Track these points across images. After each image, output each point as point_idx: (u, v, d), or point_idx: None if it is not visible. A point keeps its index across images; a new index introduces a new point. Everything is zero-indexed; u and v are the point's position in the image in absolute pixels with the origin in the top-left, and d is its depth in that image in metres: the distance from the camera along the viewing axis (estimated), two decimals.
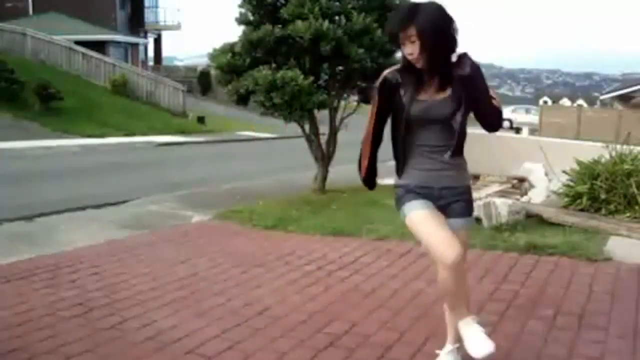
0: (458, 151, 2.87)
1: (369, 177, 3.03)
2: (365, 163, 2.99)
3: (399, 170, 2.90)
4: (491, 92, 2.82)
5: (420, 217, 2.78)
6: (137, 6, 36.47)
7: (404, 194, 2.86)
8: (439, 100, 2.73)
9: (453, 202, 2.85)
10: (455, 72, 2.67)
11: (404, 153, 2.86)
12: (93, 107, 21.69)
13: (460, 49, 2.68)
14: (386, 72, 2.82)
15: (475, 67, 2.68)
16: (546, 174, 8.56)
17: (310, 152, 8.76)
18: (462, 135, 2.86)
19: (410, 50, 2.64)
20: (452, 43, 2.66)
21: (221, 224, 6.66)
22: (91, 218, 7.18)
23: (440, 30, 2.61)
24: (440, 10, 2.66)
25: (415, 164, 2.85)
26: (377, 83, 2.82)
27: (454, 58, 2.66)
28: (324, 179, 8.67)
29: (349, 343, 3.43)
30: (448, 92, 2.72)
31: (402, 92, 2.76)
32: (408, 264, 5.05)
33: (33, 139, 16.62)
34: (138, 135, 19.75)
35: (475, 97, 2.74)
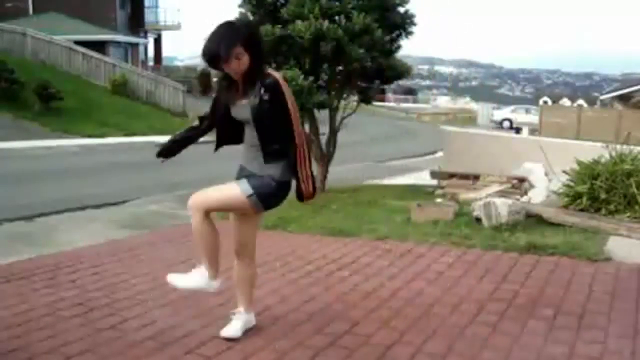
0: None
1: (170, 148, 3.73)
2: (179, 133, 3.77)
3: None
4: None
5: None
6: (137, 6, 36.45)
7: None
8: (241, 105, 3.25)
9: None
10: (259, 88, 3.18)
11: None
12: (93, 107, 21.70)
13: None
14: (218, 79, 3.47)
15: (275, 97, 3.21)
16: (546, 174, 8.57)
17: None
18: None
19: (236, 66, 3.14)
20: (261, 56, 3.24)
21: (221, 224, 6.64)
22: (91, 218, 7.19)
23: (259, 46, 3.22)
24: (257, 27, 3.64)
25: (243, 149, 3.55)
26: (216, 83, 3.51)
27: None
28: (324, 179, 8.67)
29: (349, 343, 3.43)
30: (248, 100, 3.21)
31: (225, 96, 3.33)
32: (408, 264, 5.05)
33: (33, 139, 16.63)
34: (138, 135, 19.75)
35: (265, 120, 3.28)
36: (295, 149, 3.25)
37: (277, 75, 3.27)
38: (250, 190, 3.27)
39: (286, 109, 3.17)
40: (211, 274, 3.45)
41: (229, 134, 3.42)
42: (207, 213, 3.36)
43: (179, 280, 3.50)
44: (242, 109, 3.24)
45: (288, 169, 3.31)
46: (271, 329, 3.65)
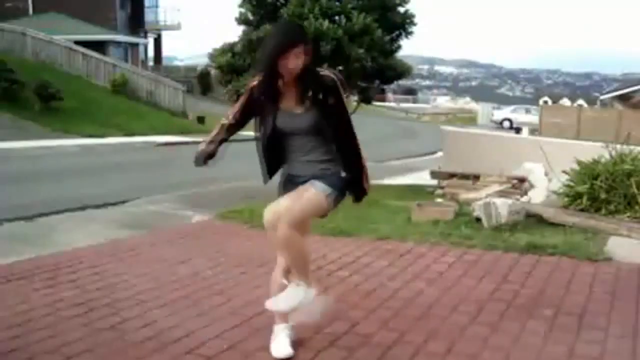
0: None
1: (203, 157, 3.24)
2: (211, 138, 3.26)
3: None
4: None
5: None
6: (137, 6, 36.46)
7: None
8: (297, 114, 3.01)
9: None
10: (317, 91, 2.99)
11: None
12: (93, 107, 21.69)
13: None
14: (255, 82, 3.11)
15: (339, 99, 3.04)
16: (546, 174, 8.57)
17: None
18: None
19: (294, 64, 2.89)
20: (315, 56, 3.14)
21: (221, 224, 6.66)
22: (91, 218, 7.18)
23: (313, 45, 3.07)
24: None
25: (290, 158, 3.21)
26: (247, 87, 3.16)
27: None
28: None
29: (349, 343, 3.43)
30: (306, 106, 3.00)
31: (265, 103, 3.05)
32: (408, 264, 5.05)
33: (33, 139, 16.62)
34: (138, 135, 19.75)
35: (330, 126, 3.06)
36: (357, 147, 3.13)
37: (332, 72, 3.07)
38: (328, 189, 3.07)
39: (346, 109, 3.06)
40: (308, 283, 3.20)
41: (278, 150, 3.15)
42: (296, 226, 3.07)
43: (281, 303, 3.20)
44: (297, 118, 3.00)
45: (346, 168, 3.15)
46: (271, 329, 3.64)
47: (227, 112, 3.27)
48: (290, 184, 3.19)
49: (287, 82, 2.97)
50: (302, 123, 3.01)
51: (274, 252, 3.34)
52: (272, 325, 3.39)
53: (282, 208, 3.09)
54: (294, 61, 2.88)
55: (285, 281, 3.24)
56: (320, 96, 2.96)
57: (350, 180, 3.16)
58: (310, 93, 2.97)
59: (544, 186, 7.96)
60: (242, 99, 3.17)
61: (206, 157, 3.22)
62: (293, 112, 3.00)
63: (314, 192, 3.05)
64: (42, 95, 20.04)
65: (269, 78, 2.97)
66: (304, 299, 3.14)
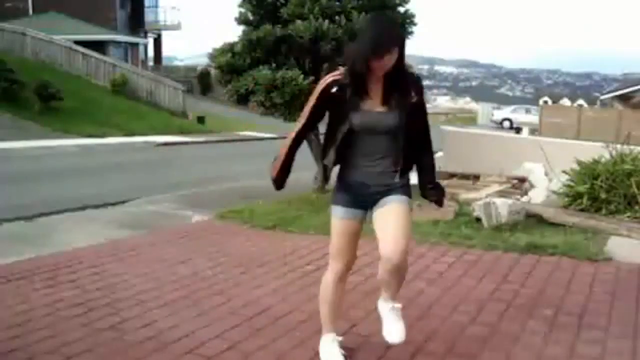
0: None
1: (282, 177, 3.05)
2: (280, 159, 3.02)
3: (341, 168, 3.02)
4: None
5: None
6: (137, 6, 36.46)
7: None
8: (380, 112, 2.85)
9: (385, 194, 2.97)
10: (402, 90, 2.85)
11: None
12: (93, 107, 21.69)
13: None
14: (329, 79, 2.89)
15: (421, 97, 2.92)
16: (546, 174, 8.56)
17: (310, 152, 8.76)
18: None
19: (389, 62, 2.73)
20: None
21: (221, 224, 6.66)
22: (91, 218, 7.18)
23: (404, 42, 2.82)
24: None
25: (358, 163, 2.96)
26: (318, 88, 2.92)
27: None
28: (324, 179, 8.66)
29: (349, 343, 3.43)
30: (391, 105, 2.84)
31: (346, 100, 2.84)
32: (408, 264, 5.04)
33: (33, 139, 16.62)
34: (138, 135, 19.75)
35: (411, 126, 2.90)
36: (431, 150, 3.05)
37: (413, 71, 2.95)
38: (410, 202, 2.99)
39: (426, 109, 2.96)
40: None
41: (345, 147, 2.93)
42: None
43: (400, 329, 3.12)
44: (381, 116, 2.84)
45: (423, 170, 3.08)
46: (271, 329, 3.65)
47: (296, 124, 3.03)
48: (358, 193, 2.97)
49: (374, 80, 2.81)
50: (386, 121, 2.84)
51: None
52: (270, 325, 3.37)
53: (391, 239, 2.91)
54: (389, 61, 2.73)
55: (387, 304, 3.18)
56: (407, 95, 2.84)
57: (430, 184, 3.07)
58: (397, 92, 2.83)
59: (544, 186, 7.95)
60: (312, 102, 2.93)
61: (283, 183, 3.07)
62: (376, 111, 2.84)
63: (406, 212, 2.96)
64: (42, 95, 20.04)
65: (360, 76, 2.79)
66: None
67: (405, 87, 2.85)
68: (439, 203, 3.15)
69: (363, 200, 2.99)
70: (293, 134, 3.00)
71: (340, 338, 3.25)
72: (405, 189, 2.98)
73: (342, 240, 3.06)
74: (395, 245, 2.89)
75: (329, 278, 3.15)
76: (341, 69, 2.88)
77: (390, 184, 2.94)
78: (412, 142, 2.92)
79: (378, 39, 2.70)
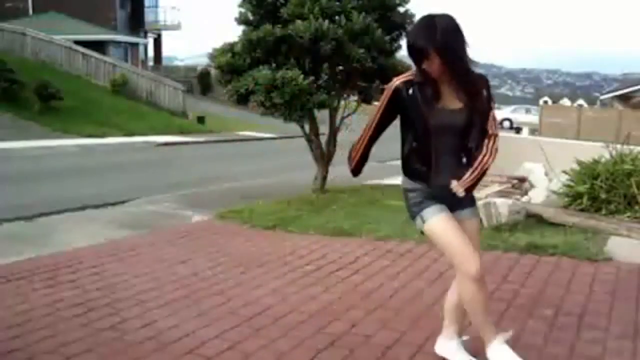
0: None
1: (359, 167, 3.15)
2: (357, 156, 3.10)
3: (415, 174, 2.96)
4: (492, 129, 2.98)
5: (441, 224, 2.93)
6: (137, 6, 36.47)
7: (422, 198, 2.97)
8: (455, 110, 2.85)
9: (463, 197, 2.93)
10: (471, 88, 2.83)
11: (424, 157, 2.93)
12: (93, 107, 21.69)
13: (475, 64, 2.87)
14: (398, 81, 2.90)
15: (490, 99, 2.93)
16: (546, 174, 8.55)
17: (310, 152, 8.76)
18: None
19: (437, 67, 2.74)
20: (466, 53, 2.80)
21: (221, 224, 6.65)
22: (91, 218, 7.19)
23: (461, 46, 2.78)
24: (455, 24, 2.80)
25: (436, 166, 2.91)
26: (389, 89, 2.92)
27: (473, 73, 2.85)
28: (324, 179, 8.67)
29: (349, 343, 3.43)
30: (463, 103, 2.85)
31: (418, 102, 2.83)
32: (408, 264, 5.05)
33: (33, 139, 16.62)
34: (138, 135, 19.75)
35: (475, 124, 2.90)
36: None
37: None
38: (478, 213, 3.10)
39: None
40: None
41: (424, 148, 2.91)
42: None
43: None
44: (455, 114, 2.84)
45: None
46: (271, 329, 3.65)
47: (368, 125, 3.03)
48: (440, 195, 2.93)
49: (443, 80, 2.81)
50: (459, 119, 2.85)
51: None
52: (271, 325, 3.36)
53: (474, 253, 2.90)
54: (427, 64, 2.74)
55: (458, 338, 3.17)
56: (478, 92, 2.86)
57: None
58: (467, 89, 2.83)
59: (544, 186, 7.94)
60: (383, 104, 2.94)
61: (361, 169, 3.13)
62: (450, 108, 2.84)
63: (478, 225, 3.10)
64: (42, 95, 20.03)
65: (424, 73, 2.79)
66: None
67: (473, 84, 2.85)
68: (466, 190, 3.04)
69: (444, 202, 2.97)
70: (365, 139, 3.02)
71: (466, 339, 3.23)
72: (471, 199, 3.06)
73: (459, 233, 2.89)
74: (477, 258, 2.88)
75: (469, 285, 2.89)
76: (412, 70, 2.90)
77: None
78: (480, 137, 2.92)
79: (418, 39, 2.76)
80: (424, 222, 2.98)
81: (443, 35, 2.70)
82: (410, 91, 2.84)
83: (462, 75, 2.80)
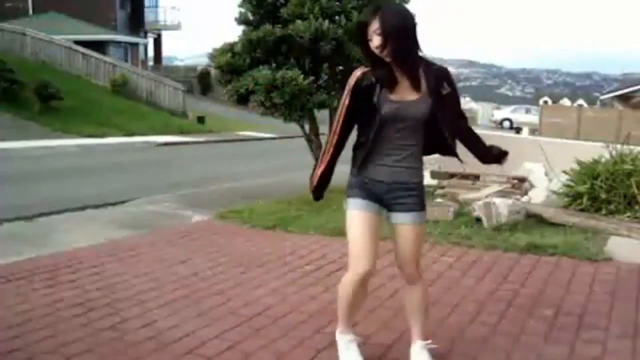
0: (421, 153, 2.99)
1: (320, 186, 3.04)
2: (321, 169, 2.98)
3: (357, 164, 2.95)
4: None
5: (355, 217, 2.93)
6: (137, 6, 36.47)
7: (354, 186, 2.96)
8: (411, 101, 2.81)
9: (401, 197, 2.92)
10: (430, 79, 2.82)
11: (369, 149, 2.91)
12: (93, 107, 21.69)
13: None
14: (358, 72, 2.89)
15: (454, 88, 2.89)
16: (546, 174, 8.56)
17: (310, 152, 8.76)
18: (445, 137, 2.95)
19: (377, 42, 2.74)
20: (415, 39, 2.80)
21: (221, 224, 6.65)
22: (91, 218, 7.18)
23: (402, 25, 2.76)
24: (403, 7, 2.93)
25: (376, 160, 2.90)
26: (349, 84, 2.90)
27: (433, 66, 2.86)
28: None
29: None
30: (421, 94, 2.82)
31: (375, 92, 2.82)
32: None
33: (33, 139, 16.62)
34: (138, 135, 19.75)
35: (444, 115, 2.88)
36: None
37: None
38: (424, 216, 3.00)
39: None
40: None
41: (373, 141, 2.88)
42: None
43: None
44: (410, 105, 2.81)
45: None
46: (271, 329, 3.65)
47: (332, 129, 2.99)
48: (374, 190, 2.91)
49: (397, 71, 2.79)
50: (415, 111, 2.81)
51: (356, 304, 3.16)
52: (271, 325, 3.38)
53: (403, 259, 3.00)
54: (377, 41, 2.73)
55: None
56: (434, 84, 2.81)
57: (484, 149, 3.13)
58: (423, 80, 2.80)
59: (544, 186, 7.95)
60: (345, 101, 2.90)
61: (322, 190, 3.06)
62: (406, 100, 2.81)
63: (422, 230, 3.01)
64: (42, 95, 20.04)
65: (378, 61, 2.79)
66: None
67: (429, 77, 2.82)
68: (498, 160, 3.22)
69: (378, 199, 2.93)
70: (331, 148, 2.94)
71: (358, 340, 3.21)
72: (414, 198, 2.93)
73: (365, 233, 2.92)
74: (410, 264, 3.02)
75: (350, 284, 2.99)
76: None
77: (399, 181, 2.89)
78: (443, 131, 2.89)
79: (362, 17, 2.84)
80: (347, 208, 2.98)
81: (391, 20, 2.72)
82: (367, 82, 2.83)
83: (409, 63, 2.79)
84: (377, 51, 2.75)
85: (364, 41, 2.81)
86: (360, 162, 2.90)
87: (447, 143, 2.95)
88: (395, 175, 2.88)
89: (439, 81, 2.84)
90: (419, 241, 3.02)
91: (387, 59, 2.76)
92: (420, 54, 2.83)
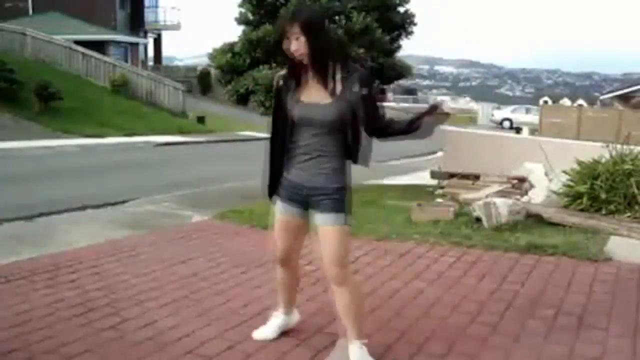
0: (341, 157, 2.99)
1: (270, 185, 3.17)
2: (267, 170, 3.13)
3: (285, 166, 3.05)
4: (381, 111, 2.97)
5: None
6: (137, 6, 36.45)
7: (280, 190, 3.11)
8: (322, 105, 2.86)
9: (321, 200, 2.98)
10: (347, 81, 2.84)
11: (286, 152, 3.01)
12: (93, 107, 21.68)
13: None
14: (280, 74, 3.01)
15: (370, 88, 2.88)
16: (546, 174, 8.56)
17: None
18: (354, 141, 2.96)
19: (295, 46, 2.80)
20: (329, 44, 2.88)
21: (221, 224, 6.65)
22: (91, 218, 7.18)
23: (317, 29, 2.82)
24: (319, 12, 3.07)
25: (297, 162, 2.99)
26: (273, 86, 3.04)
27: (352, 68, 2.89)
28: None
29: None
30: (334, 98, 2.85)
31: (290, 94, 2.93)
32: (408, 264, 5.05)
33: (33, 139, 16.62)
34: (138, 135, 19.74)
35: (364, 115, 2.90)
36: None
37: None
38: (345, 219, 2.99)
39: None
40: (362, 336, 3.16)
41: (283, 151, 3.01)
42: (348, 271, 3.17)
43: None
44: (320, 109, 2.87)
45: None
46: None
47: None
48: (292, 193, 3.04)
49: (305, 70, 2.87)
50: (325, 114, 2.85)
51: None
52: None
53: (326, 260, 3.09)
54: (296, 45, 2.79)
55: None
56: (348, 86, 2.83)
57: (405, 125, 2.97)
58: (339, 84, 2.84)
59: (544, 186, 7.95)
60: (274, 103, 3.01)
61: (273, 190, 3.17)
62: (317, 103, 2.86)
63: (342, 232, 3.00)
64: (42, 95, 20.02)
65: (290, 65, 2.88)
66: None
67: (343, 79, 2.84)
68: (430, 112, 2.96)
69: (302, 199, 3.04)
70: (270, 151, 3.08)
71: (284, 318, 3.49)
72: (334, 201, 2.96)
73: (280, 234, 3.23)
74: (330, 268, 3.10)
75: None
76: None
77: (315, 186, 2.96)
78: (359, 132, 2.92)
79: (281, 20, 2.94)
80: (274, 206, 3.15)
81: (306, 24, 2.78)
82: (282, 84, 2.94)
83: (321, 67, 2.83)
84: (295, 54, 2.82)
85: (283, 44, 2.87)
86: (286, 164, 3.03)
87: (357, 149, 2.96)
88: (313, 179, 2.96)
89: (354, 84, 2.85)
90: (340, 243, 3.02)
91: (305, 62, 2.84)
92: (342, 57, 2.92)
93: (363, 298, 3.30)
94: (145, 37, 37.71)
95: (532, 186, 8.30)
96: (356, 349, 3.11)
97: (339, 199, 2.97)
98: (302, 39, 2.77)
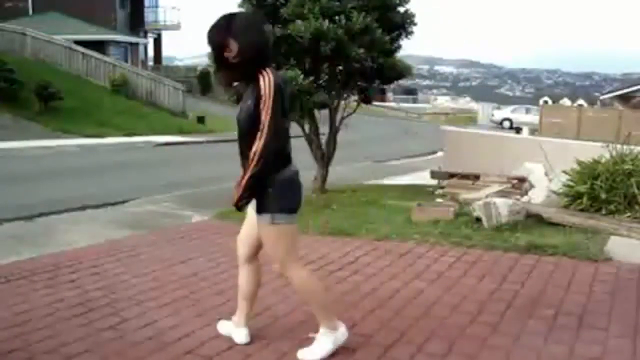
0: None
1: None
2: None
3: None
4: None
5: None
6: (137, 6, 36.45)
7: None
8: (240, 108, 3.07)
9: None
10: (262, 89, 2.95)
11: None
12: (93, 107, 21.68)
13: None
14: (278, 74, 3.15)
15: (259, 98, 2.94)
16: (546, 174, 8.56)
17: (310, 152, 8.76)
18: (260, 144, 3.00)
19: (233, 50, 2.99)
20: (249, 48, 2.96)
21: (221, 224, 6.65)
22: (91, 218, 7.19)
23: (244, 35, 2.97)
24: (252, 19, 3.21)
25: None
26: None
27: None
28: (324, 179, 8.67)
29: (349, 343, 3.42)
30: (250, 102, 2.98)
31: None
32: (408, 264, 5.05)
33: (33, 139, 16.62)
34: (138, 135, 19.75)
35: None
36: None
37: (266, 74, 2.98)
38: (266, 219, 3.13)
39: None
40: (332, 324, 3.25)
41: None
42: (291, 264, 3.24)
43: (316, 353, 3.21)
44: (240, 112, 3.07)
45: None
46: (271, 329, 3.65)
47: None
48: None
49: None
50: (239, 118, 3.06)
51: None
52: (270, 325, 3.38)
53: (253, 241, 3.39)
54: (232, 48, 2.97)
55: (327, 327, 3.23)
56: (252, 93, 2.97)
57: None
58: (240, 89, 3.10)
59: (544, 186, 7.95)
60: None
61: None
62: (241, 107, 3.07)
63: (267, 232, 3.16)
64: (42, 95, 20.03)
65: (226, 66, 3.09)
66: (337, 340, 3.23)
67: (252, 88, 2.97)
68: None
69: None
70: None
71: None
72: (259, 205, 3.15)
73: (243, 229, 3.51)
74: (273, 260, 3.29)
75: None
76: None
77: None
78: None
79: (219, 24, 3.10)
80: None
81: (238, 30, 2.97)
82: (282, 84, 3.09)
83: (244, 71, 2.98)
84: (229, 58, 2.98)
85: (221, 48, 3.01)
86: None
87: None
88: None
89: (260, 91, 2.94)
90: (268, 241, 3.21)
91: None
92: (267, 63, 3.01)
93: (317, 287, 3.32)
94: (145, 37, 37.70)
95: (532, 186, 8.30)
96: (318, 336, 3.23)
97: (260, 201, 3.14)
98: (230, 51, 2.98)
